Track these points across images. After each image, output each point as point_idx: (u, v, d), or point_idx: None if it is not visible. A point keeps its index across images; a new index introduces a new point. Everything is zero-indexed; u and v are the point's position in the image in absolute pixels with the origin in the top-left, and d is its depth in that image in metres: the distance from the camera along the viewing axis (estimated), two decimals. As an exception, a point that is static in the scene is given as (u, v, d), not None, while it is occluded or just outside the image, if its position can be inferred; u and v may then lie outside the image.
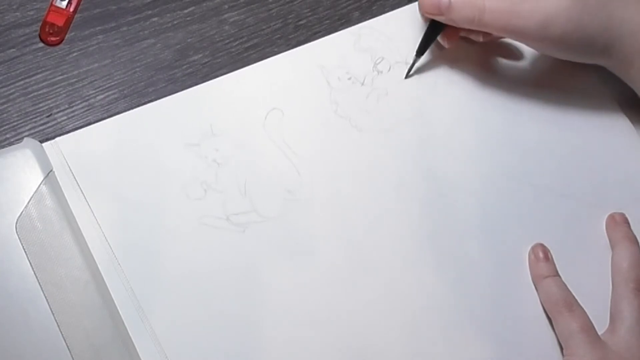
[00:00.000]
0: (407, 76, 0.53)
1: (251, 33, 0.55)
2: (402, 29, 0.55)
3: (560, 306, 0.47)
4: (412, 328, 0.47)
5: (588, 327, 0.46)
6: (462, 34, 0.53)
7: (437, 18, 0.51)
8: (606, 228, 0.51)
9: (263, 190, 0.49)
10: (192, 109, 0.51)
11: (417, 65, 0.53)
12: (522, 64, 0.55)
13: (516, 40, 0.52)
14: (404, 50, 0.54)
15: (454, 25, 0.51)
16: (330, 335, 0.46)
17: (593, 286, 0.49)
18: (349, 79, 0.53)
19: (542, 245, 0.50)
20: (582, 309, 0.47)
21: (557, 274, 0.49)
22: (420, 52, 0.53)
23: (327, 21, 0.56)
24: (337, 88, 0.53)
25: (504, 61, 0.55)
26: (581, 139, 0.53)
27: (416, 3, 0.54)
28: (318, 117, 0.52)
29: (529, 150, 0.53)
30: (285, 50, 0.54)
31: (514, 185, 0.51)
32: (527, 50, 0.54)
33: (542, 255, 0.49)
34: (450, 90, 0.54)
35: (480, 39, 0.53)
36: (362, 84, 0.53)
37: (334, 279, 0.47)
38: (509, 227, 0.50)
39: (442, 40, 0.53)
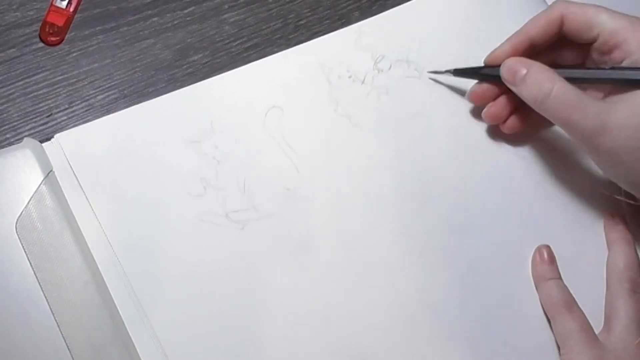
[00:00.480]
0: (429, 72, 0.53)
1: (251, 33, 0.55)
2: (402, 27, 0.55)
3: (560, 307, 0.47)
4: (412, 327, 0.47)
5: (586, 328, 0.46)
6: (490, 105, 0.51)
7: (510, 86, 0.49)
8: (604, 228, 0.51)
9: (262, 187, 0.49)
10: (192, 106, 0.51)
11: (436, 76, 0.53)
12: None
13: (569, 135, 0.47)
14: (404, 48, 0.54)
15: (522, 98, 0.48)
16: (329, 332, 0.46)
17: (590, 287, 0.49)
18: (349, 77, 0.53)
19: (547, 247, 0.49)
20: (581, 310, 0.47)
21: (559, 277, 0.49)
22: (457, 73, 0.52)
23: (327, 21, 0.56)
24: (337, 86, 0.52)
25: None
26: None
27: (417, 1, 0.54)
28: (318, 115, 0.51)
29: (530, 149, 0.53)
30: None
31: (513, 185, 0.51)
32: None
33: (547, 257, 0.49)
34: (451, 89, 0.53)
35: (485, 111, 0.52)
36: (363, 82, 0.53)
37: (333, 276, 0.47)
38: (507, 227, 0.50)
39: (467, 94, 0.52)
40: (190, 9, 0.55)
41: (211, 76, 0.52)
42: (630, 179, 0.46)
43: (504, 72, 0.49)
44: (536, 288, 0.49)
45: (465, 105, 0.53)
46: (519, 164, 0.52)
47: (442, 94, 0.53)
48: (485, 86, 0.51)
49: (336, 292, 0.47)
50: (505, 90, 0.50)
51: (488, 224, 0.50)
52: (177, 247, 0.47)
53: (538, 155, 0.52)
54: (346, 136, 0.51)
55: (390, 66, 0.54)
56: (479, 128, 0.53)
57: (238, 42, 0.55)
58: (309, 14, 0.56)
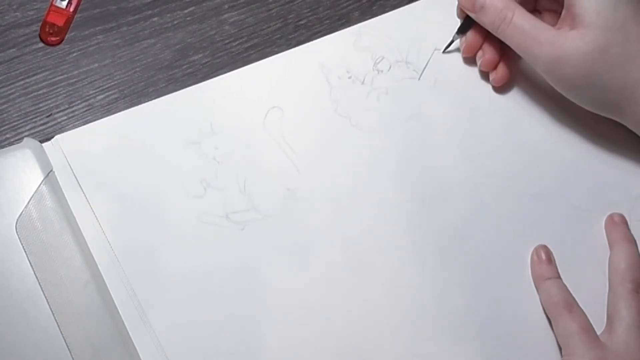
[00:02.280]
0: (444, 51, 0.54)
1: (251, 33, 0.55)
2: (402, 28, 0.55)
3: (560, 307, 0.47)
4: (412, 327, 0.47)
5: (587, 328, 0.46)
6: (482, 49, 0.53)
7: (470, 14, 0.52)
8: (605, 228, 0.51)
9: (263, 188, 0.49)
10: (192, 107, 0.51)
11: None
12: (526, 65, 0.55)
13: (532, 65, 0.51)
14: (404, 49, 0.54)
15: (482, 25, 0.51)
16: (329, 332, 0.46)
17: (591, 287, 0.48)
18: (349, 78, 0.53)
19: (545, 247, 0.49)
20: (582, 310, 0.47)
21: (558, 276, 0.49)
22: (461, 30, 0.53)
23: (327, 21, 0.56)
24: (337, 87, 0.53)
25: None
26: (582, 140, 0.53)
27: (416, 3, 0.54)
28: (318, 115, 0.52)
29: (529, 150, 0.52)
30: (285, 50, 0.54)
31: (514, 185, 0.51)
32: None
33: (544, 257, 0.49)
34: (451, 89, 0.54)
35: (479, 62, 0.53)
36: (362, 83, 0.53)
37: (333, 277, 0.47)
38: (508, 227, 0.50)
39: (461, 45, 0.54)
40: (190, 9, 0.55)
41: (211, 76, 0.52)
42: (586, 100, 0.50)
43: (461, 2, 0.52)
44: (536, 288, 0.49)
45: (465, 106, 0.53)
46: (519, 164, 0.52)
47: (442, 94, 0.53)
48: (471, 36, 0.53)
49: (336, 292, 0.47)
50: (487, 35, 0.52)
51: (489, 224, 0.50)
52: (177, 247, 0.47)
53: (538, 155, 0.52)
54: (346, 137, 0.51)
55: (390, 67, 0.54)
56: (479, 128, 0.53)
57: (238, 42, 0.55)
58: (309, 14, 0.56)
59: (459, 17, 0.54)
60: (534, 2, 0.54)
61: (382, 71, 0.54)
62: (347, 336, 0.46)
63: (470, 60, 0.54)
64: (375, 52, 0.54)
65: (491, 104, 0.53)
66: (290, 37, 0.55)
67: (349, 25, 0.55)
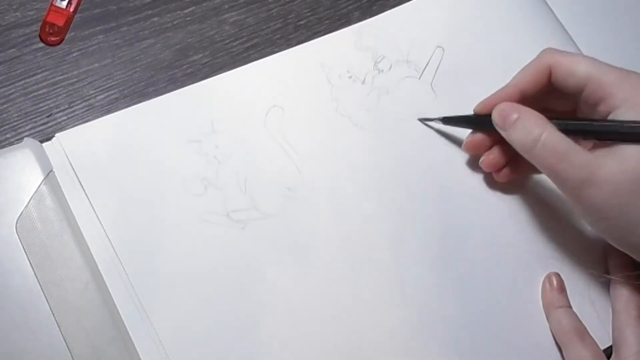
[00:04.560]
0: (420, 119, 0.52)
1: (251, 33, 0.55)
2: (403, 27, 0.55)
3: (571, 335, 0.46)
4: (413, 327, 0.47)
5: (599, 357, 0.46)
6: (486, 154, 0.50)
7: (500, 131, 0.47)
8: (605, 254, 0.50)
9: (263, 187, 0.49)
10: (193, 106, 0.51)
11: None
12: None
13: (554, 183, 0.46)
14: (405, 48, 0.54)
15: (511, 144, 0.47)
16: (329, 332, 0.46)
17: (598, 315, 0.48)
18: (350, 77, 0.53)
19: (557, 275, 0.49)
20: (593, 338, 0.47)
21: (569, 306, 0.48)
22: (446, 121, 0.51)
23: (327, 21, 0.56)
24: (337, 86, 0.52)
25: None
26: None
27: (417, 1, 0.54)
28: (318, 115, 0.52)
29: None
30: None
31: (515, 185, 0.51)
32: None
33: (556, 285, 0.49)
34: (452, 89, 0.53)
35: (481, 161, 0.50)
36: (363, 82, 0.53)
37: (333, 276, 0.47)
38: (509, 227, 0.50)
39: (464, 145, 0.51)
40: (190, 9, 0.55)
41: (211, 76, 0.52)
42: (614, 235, 0.45)
43: (495, 115, 0.47)
44: (546, 316, 0.48)
45: (465, 105, 0.53)
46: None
47: (443, 93, 0.53)
48: (479, 136, 0.50)
49: (337, 291, 0.47)
50: (498, 139, 0.49)
51: (489, 225, 0.50)
52: (177, 247, 0.47)
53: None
54: (347, 136, 0.51)
55: (391, 66, 0.54)
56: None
57: (238, 42, 0.55)
58: (309, 14, 0.56)
59: (474, 109, 0.50)
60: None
61: (382, 70, 0.54)
62: (348, 335, 0.46)
63: (470, 59, 0.54)
64: (376, 51, 0.54)
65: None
66: (290, 37, 0.55)
67: (349, 26, 0.55)
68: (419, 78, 0.54)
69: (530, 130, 0.45)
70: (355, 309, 0.47)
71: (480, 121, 0.50)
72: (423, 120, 0.52)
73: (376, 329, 0.46)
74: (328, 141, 0.51)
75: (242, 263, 0.47)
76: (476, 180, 0.51)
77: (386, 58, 0.54)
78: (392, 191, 0.50)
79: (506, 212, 0.51)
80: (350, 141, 0.51)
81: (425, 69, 0.54)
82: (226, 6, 0.56)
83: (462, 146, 0.51)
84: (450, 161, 0.52)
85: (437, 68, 0.54)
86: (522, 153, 0.46)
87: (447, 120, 0.51)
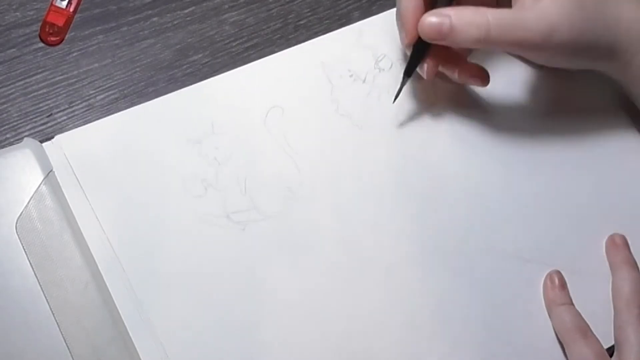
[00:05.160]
0: (395, 100, 0.52)
1: (251, 33, 0.55)
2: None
3: (574, 333, 0.46)
4: (413, 328, 0.47)
5: (602, 355, 0.46)
6: (441, 68, 0.51)
7: (441, 43, 0.48)
8: (606, 251, 0.50)
9: (263, 188, 0.49)
10: (193, 107, 0.51)
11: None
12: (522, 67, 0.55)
13: (520, 53, 0.50)
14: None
15: (458, 46, 0.49)
16: (330, 333, 0.46)
17: (599, 313, 0.48)
18: (351, 76, 0.53)
19: (558, 273, 0.49)
20: (595, 336, 0.47)
21: (571, 303, 0.48)
22: (408, 73, 0.51)
23: (327, 21, 0.56)
24: (338, 85, 0.52)
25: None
26: (589, 156, 0.53)
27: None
28: (319, 114, 0.51)
29: (533, 149, 0.52)
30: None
31: (515, 186, 0.51)
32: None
33: (557, 283, 0.49)
34: (452, 88, 0.53)
35: (456, 76, 0.51)
36: (364, 81, 0.53)
37: (333, 277, 0.47)
38: (509, 228, 0.50)
39: (421, 71, 0.51)
40: (190, 9, 0.55)
41: (211, 76, 0.52)
42: (583, 61, 0.49)
43: (425, 32, 0.48)
44: (548, 314, 0.48)
45: (467, 105, 0.53)
46: (521, 164, 0.52)
47: (444, 93, 0.53)
48: (430, 62, 0.50)
49: (336, 291, 0.47)
50: (437, 51, 0.50)
51: (490, 225, 0.50)
52: (177, 247, 0.47)
53: (540, 165, 0.52)
54: (347, 136, 0.51)
55: (392, 65, 0.54)
56: (482, 128, 0.53)
57: (238, 42, 0.55)
58: (309, 14, 0.56)
59: (406, 47, 0.51)
60: None
61: (383, 69, 0.53)
62: (348, 336, 0.46)
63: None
64: (377, 50, 0.54)
65: (491, 102, 0.53)
66: (290, 37, 0.55)
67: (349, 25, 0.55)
68: (418, 79, 0.53)
69: (474, 24, 0.46)
70: (355, 309, 0.47)
71: (425, 46, 0.49)
72: (395, 98, 0.52)
73: (377, 329, 0.46)
74: (328, 141, 0.51)
75: (242, 264, 0.47)
76: (476, 180, 0.51)
77: (387, 57, 0.54)
78: (393, 191, 0.50)
79: (506, 211, 0.51)
80: (351, 141, 0.51)
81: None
82: (226, 6, 0.56)
83: (426, 76, 0.51)
84: (451, 161, 0.51)
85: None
86: (477, 46, 0.48)
87: (407, 74, 0.51)
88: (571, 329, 0.47)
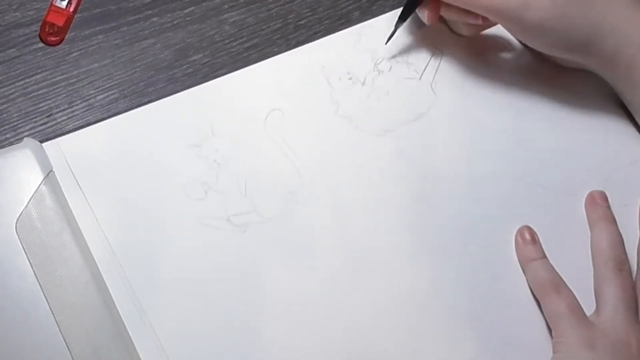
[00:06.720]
0: (387, 42, 0.53)
1: (251, 33, 0.55)
2: (403, 28, 0.55)
3: (547, 288, 0.47)
4: (413, 327, 0.47)
5: (575, 308, 0.46)
6: (442, 12, 0.52)
7: None
8: (585, 207, 0.51)
9: (263, 190, 0.49)
10: (192, 110, 0.51)
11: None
12: (520, 62, 0.55)
13: (497, 20, 0.50)
14: (404, 49, 0.54)
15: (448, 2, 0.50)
16: (331, 335, 0.46)
17: (580, 269, 0.48)
18: (350, 79, 0.53)
19: (528, 228, 0.49)
20: (570, 290, 0.47)
21: (544, 257, 0.48)
22: (403, 18, 0.52)
23: (327, 21, 0.56)
24: (337, 88, 0.53)
25: (501, 59, 0.55)
26: (574, 131, 0.54)
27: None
28: (319, 117, 0.52)
29: (533, 148, 0.53)
30: (285, 50, 0.54)
31: (516, 185, 0.52)
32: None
33: (529, 238, 0.49)
34: (451, 89, 0.54)
35: (464, 32, 0.52)
36: (363, 84, 0.53)
37: (334, 279, 0.47)
38: (510, 228, 0.50)
39: (422, 16, 0.52)
40: (190, 9, 0.55)
41: (211, 76, 0.52)
42: (556, 46, 0.50)
43: None
44: (522, 270, 0.48)
45: (465, 106, 0.53)
46: (523, 162, 0.52)
47: (442, 94, 0.53)
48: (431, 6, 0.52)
49: (337, 294, 0.47)
50: None
51: (490, 225, 0.50)
52: (178, 249, 0.47)
53: (543, 151, 0.53)
54: (347, 138, 0.51)
55: (391, 68, 0.54)
56: (479, 128, 0.53)
57: (238, 42, 0.55)
58: (309, 14, 0.56)
59: None
60: None
61: (382, 72, 0.54)
62: (349, 337, 0.46)
63: (470, 59, 0.54)
64: (376, 52, 0.54)
65: (491, 102, 0.54)
66: (290, 37, 0.55)
67: (349, 26, 0.55)
68: (419, 79, 0.54)
69: None
70: (356, 311, 0.47)
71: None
72: (387, 40, 0.53)
73: (377, 330, 0.47)
74: (328, 143, 0.51)
75: (243, 266, 0.47)
76: (477, 179, 0.51)
77: (386, 59, 0.54)
78: (392, 192, 0.50)
79: (506, 210, 0.51)
80: (351, 143, 0.51)
81: (425, 69, 0.54)
82: (226, 6, 0.56)
83: (427, 22, 0.52)
84: (451, 161, 0.52)
85: (437, 69, 0.54)
86: (462, 6, 0.49)
87: (401, 19, 0.52)
88: (544, 284, 0.47)
